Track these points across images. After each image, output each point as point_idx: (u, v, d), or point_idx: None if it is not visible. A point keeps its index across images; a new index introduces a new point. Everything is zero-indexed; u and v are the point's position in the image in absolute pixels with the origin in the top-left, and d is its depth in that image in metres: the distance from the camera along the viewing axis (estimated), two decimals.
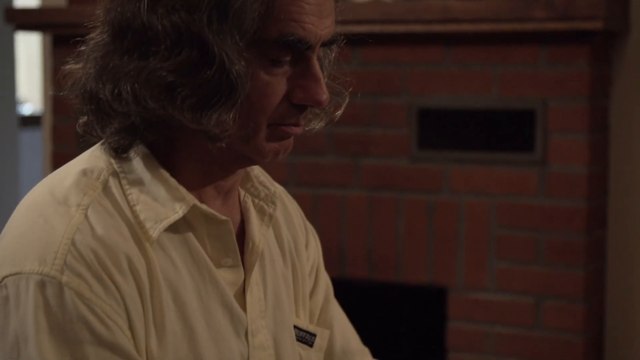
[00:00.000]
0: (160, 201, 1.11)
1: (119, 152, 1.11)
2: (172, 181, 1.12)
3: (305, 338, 1.30)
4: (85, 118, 1.13)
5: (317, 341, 1.32)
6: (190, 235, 1.14)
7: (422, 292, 3.00)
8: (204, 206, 1.14)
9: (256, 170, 1.26)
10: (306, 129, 1.19)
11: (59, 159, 3.37)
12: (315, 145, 3.00)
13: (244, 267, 1.19)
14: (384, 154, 2.96)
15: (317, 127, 1.22)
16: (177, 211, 1.11)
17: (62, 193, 1.09)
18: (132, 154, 1.12)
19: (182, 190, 1.12)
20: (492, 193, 2.83)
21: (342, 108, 1.22)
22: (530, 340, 2.80)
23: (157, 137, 1.12)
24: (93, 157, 1.14)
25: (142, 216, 1.10)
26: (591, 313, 2.80)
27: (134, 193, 1.11)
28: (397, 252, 2.95)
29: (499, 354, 2.84)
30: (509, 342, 2.83)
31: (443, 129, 2.89)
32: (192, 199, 1.13)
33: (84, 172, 1.12)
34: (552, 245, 2.76)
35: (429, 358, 2.96)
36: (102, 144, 1.14)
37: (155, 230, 1.10)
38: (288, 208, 1.34)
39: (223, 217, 1.15)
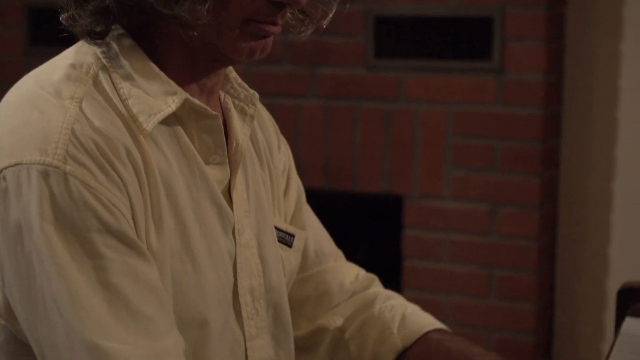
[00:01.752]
0: (152, 95, 1.10)
1: (96, 37, 1.09)
2: (163, 75, 1.11)
3: (285, 239, 1.31)
4: (66, 12, 1.10)
5: (296, 242, 1.32)
6: (181, 130, 1.13)
7: (379, 201, 3.02)
8: (195, 100, 1.13)
9: (234, 73, 1.25)
10: (292, 36, 1.18)
11: (3, 69, 3.29)
12: (270, 54, 2.96)
13: (229, 166, 1.19)
14: (341, 62, 2.94)
15: (302, 34, 1.20)
16: (170, 105, 1.10)
17: (53, 86, 1.07)
18: (118, 48, 1.10)
19: (174, 84, 1.11)
20: (449, 101, 2.83)
21: (329, 17, 1.21)
22: (485, 247, 2.84)
23: (132, 22, 1.10)
24: (80, 53, 1.12)
25: (135, 110, 1.08)
26: (545, 220, 2.84)
27: (125, 87, 1.09)
28: (354, 161, 2.95)
29: (455, 261, 2.88)
30: (464, 249, 2.86)
31: (400, 37, 2.87)
32: (183, 92, 1.12)
33: (73, 66, 1.09)
34: (508, 153, 2.79)
35: (385, 266, 2.99)
36: (86, 40, 1.11)
37: (149, 123, 1.08)
38: (261, 113, 1.34)
39: (213, 112, 1.14)
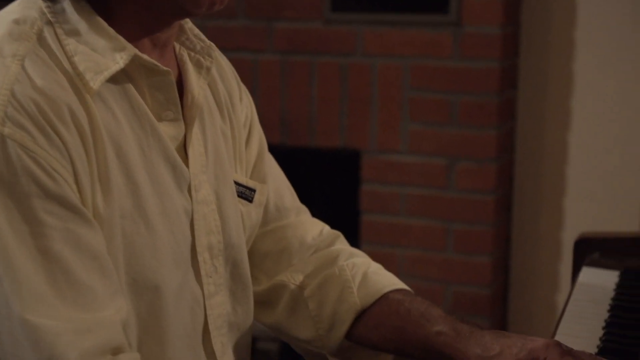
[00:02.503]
0: (99, 51, 1.07)
1: None
2: (111, 30, 1.08)
3: (245, 193, 1.29)
4: None
5: (257, 197, 1.30)
6: (131, 87, 1.10)
7: (336, 156, 3.02)
8: (145, 56, 1.10)
9: (189, 24, 1.22)
10: None
11: None
12: (225, 8, 2.92)
13: (184, 121, 1.16)
14: (297, 16, 2.91)
15: None
16: (118, 61, 1.07)
17: None
18: (65, 2, 1.07)
19: (122, 40, 1.08)
20: (405, 55, 2.82)
21: None
22: (442, 200, 2.85)
23: None
24: (23, 7, 1.08)
25: (81, 67, 1.05)
26: (501, 173, 2.85)
27: (71, 43, 1.06)
28: (311, 116, 2.94)
29: (412, 214, 2.89)
30: (421, 203, 2.87)
31: None
32: (132, 48, 1.09)
33: (16, 22, 1.06)
34: (465, 107, 2.79)
35: (342, 220, 2.99)
36: None
37: (96, 81, 1.05)
38: (222, 63, 1.31)
39: (164, 68, 1.12)
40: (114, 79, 1.08)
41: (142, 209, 1.08)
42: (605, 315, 1.42)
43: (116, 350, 1.00)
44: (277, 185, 1.38)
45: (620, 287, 1.53)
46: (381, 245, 2.93)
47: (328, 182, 3.07)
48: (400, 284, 1.35)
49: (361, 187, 2.93)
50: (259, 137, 1.36)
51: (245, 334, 1.28)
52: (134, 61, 1.09)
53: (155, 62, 1.10)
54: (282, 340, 1.42)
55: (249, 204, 1.29)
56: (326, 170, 3.11)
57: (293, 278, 1.35)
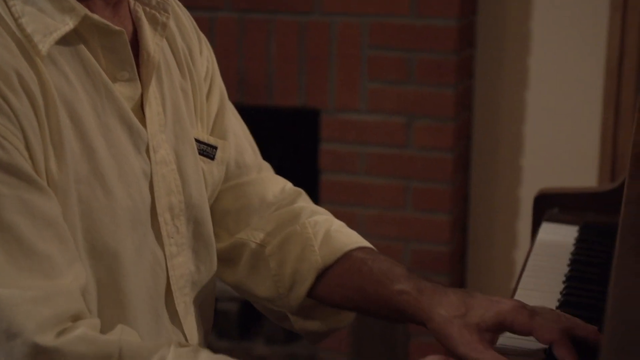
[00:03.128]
0: (47, 13, 1.04)
1: None
2: None
3: (207, 151, 1.26)
4: None
5: (218, 154, 1.28)
6: (83, 48, 1.07)
7: (295, 115, 3.01)
8: (95, 16, 1.07)
9: None
10: None
11: None
12: None
13: (140, 80, 1.14)
14: None
15: None
16: (68, 23, 1.04)
17: None
18: None
19: (71, 0, 1.05)
20: (364, 13, 2.81)
21: None
22: (401, 158, 2.86)
23: None
24: None
25: (29, 29, 1.02)
26: (459, 131, 2.86)
27: (17, 4, 1.03)
28: (269, 75, 2.92)
29: (371, 173, 2.89)
30: (380, 162, 2.88)
31: None
32: (82, 8, 1.06)
33: None
34: (423, 65, 2.79)
35: (302, 179, 2.98)
36: None
37: (44, 44, 1.02)
38: (180, 16, 1.28)
39: (117, 28, 1.09)
40: (65, 41, 1.05)
41: (99, 173, 1.06)
42: (565, 269, 1.44)
43: (75, 318, 0.98)
44: (238, 141, 1.36)
45: (579, 241, 1.55)
46: (340, 204, 2.93)
47: (287, 141, 3.06)
48: (363, 242, 1.33)
49: (320, 146, 2.92)
50: (219, 90, 1.34)
51: (209, 293, 1.28)
52: (84, 21, 1.06)
53: (107, 22, 1.08)
54: (243, 299, 1.42)
55: (210, 161, 1.27)
56: (285, 130, 3.10)
57: (253, 236, 1.34)
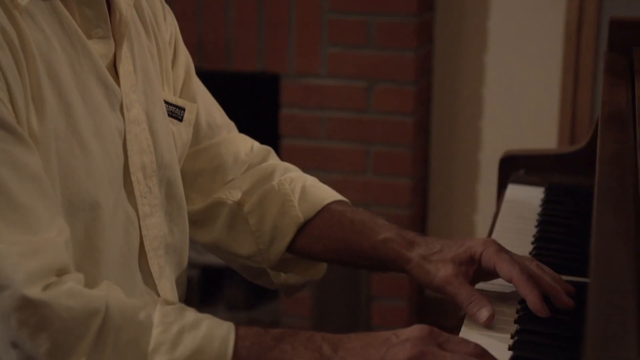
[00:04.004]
0: None
1: None
2: None
3: (175, 112, 1.27)
4: None
5: (187, 115, 1.29)
6: (59, 4, 1.07)
7: (254, 80, 2.99)
8: None
9: None
10: None
11: None
12: None
13: (113, 39, 1.13)
14: None
15: None
16: None
17: None
18: None
19: None
20: None
21: None
22: (362, 123, 2.86)
23: None
24: None
25: None
26: (420, 95, 2.87)
27: None
28: (228, 39, 2.90)
29: (332, 138, 2.89)
30: (341, 127, 2.87)
31: None
32: None
33: None
34: (383, 29, 2.78)
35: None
36: None
37: None
38: None
39: None
40: None
41: (76, 129, 1.06)
42: (533, 230, 1.45)
43: (61, 272, 0.98)
44: (206, 103, 1.37)
45: (546, 202, 1.56)
46: (301, 169, 2.92)
47: (247, 107, 3.04)
48: (338, 196, 1.37)
49: (280, 111, 2.91)
50: (185, 56, 1.35)
51: (182, 256, 1.28)
52: None
53: None
54: (204, 265, 1.42)
55: (179, 122, 1.28)
56: (245, 95, 3.09)
57: (231, 195, 1.35)
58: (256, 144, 1.42)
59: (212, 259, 1.39)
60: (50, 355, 0.93)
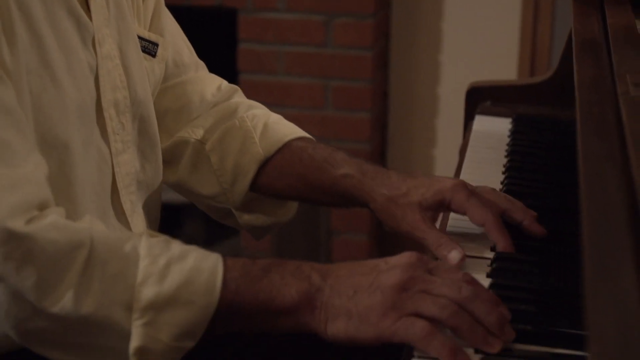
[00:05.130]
0: None
1: None
2: None
3: (148, 48, 1.25)
4: None
5: (160, 51, 1.27)
6: None
7: (211, 14, 2.95)
8: None
9: None
10: None
11: None
12: None
13: None
14: None
15: None
16: None
17: None
18: None
19: None
20: None
21: None
22: (320, 57, 2.84)
23: None
24: None
25: None
26: (378, 28, 2.85)
27: None
28: None
29: (290, 73, 2.87)
30: (299, 61, 2.86)
31: None
32: None
33: None
34: None
35: None
36: None
37: None
38: None
39: None
40: None
41: (48, 64, 1.03)
42: (504, 160, 1.45)
43: (42, 206, 0.96)
44: (175, 40, 1.34)
45: (514, 132, 1.57)
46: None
47: (203, 42, 2.99)
48: (302, 132, 1.34)
49: (238, 46, 2.88)
50: None
51: (154, 193, 1.26)
52: None
53: None
54: (186, 198, 1.41)
55: (152, 59, 1.25)
56: (201, 30, 3.04)
57: (194, 133, 1.33)
58: (224, 83, 1.40)
59: (171, 196, 1.37)
60: (37, 288, 0.92)
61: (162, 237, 0.99)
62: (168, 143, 1.33)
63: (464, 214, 1.15)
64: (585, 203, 0.71)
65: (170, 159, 1.34)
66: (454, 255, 1.10)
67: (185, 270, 0.94)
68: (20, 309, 0.93)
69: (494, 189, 1.20)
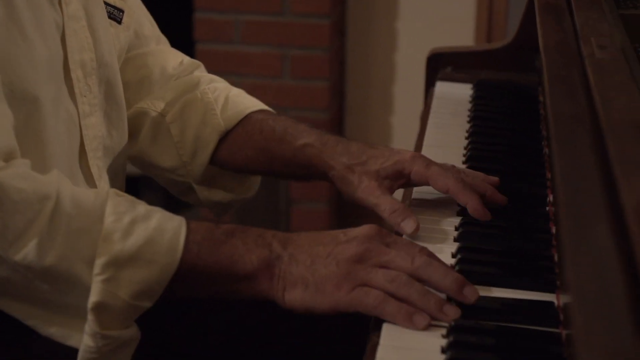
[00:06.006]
0: None
1: None
2: None
3: (114, 14, 1.24)
4: None
5: (125, 19, 1.26)
6: None
7: None
8: None
9: None
10: None
11: None
12: None
13: None
14: None
15: None
16: None
17: None
18: None
19: None
20: None
21: None
22: (277, 26, 2.82)
23: None
24: None
25: None
26: None
27: None
28: None
29: (247, 42, 2.86)
30: (257, 30, 2.84)
31: None
32: None
33: None
34: None
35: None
36: None
37: None
38: None
39: None
40: None
41: (16, 17, 1.02)
42: (466, 125, 1.46)
43: (8, 156, 0.96)
44: (136, 11, 1.33)
45: (476, 98, 1.58)
46: (217, 74, 2.88)
47: (159, 11, 2.97)
48: (263, 105, 1.34)
49: (194, 15, 2.86)
50: None
51: (120, 159, 1.25)
52: None
53: None
54: (146, 172, 1.40)
55: (118, 25, 1.24)
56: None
57: (154, 105, 1.32)
58: (187, 58, 1.39)
59: (129, 167, 1.37)
60: (1, 235, 0.92)
61: (128, 197, 0.99)
62: (129, 115, 1.32)
63: (425, 183, 1.16)
64: (558, 163, 0.72)
65: (131, 130, 1.33)
66: (408, 224, 1.09)
67: (149, 230, 0.94)
68: None
69: (453, 165, 1.20)
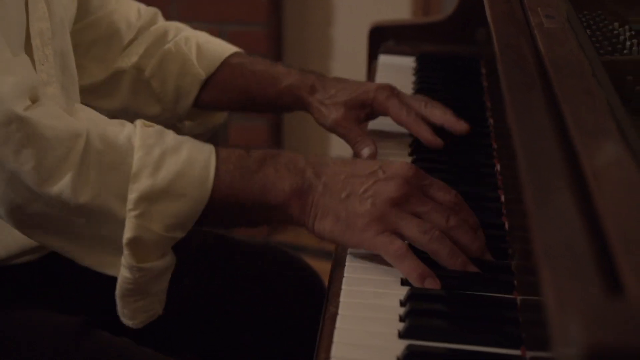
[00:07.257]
0: None
1: None
2: None
3: None
4: None
5: None
6: None
7: None
8: None
9: None
10: None
11: None
12: None
13: None
14: None
15: None
16: None
17: None
18: None
19: None
20: None
21: None
22: (214, 2, 2.81)
23: None
24: None
25: None
26: None
27: None
28: None
29: (183, 18, 2.82)
30: (193, 5, 2.82)
31: None
32: None
33: None
34: None
35: None
36: None
37: None
38: None
39: None
40: None
41: None
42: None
43: (34, 96, 0.96)
44: None
45: (419, 70, 1.59)
46: None
47: None
48: (234, 48, 1.42)
49: None
50: None
51: None
52: None
53: None
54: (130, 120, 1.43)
55: None
56: None
57: (129, 60, 1.37)
58: (142, 6, 1.42)
59: None
60: (36, 172, 0.92)
61: (157, 127, 0.99)
62: (105, 75, 1.36)
63: (385, 113, 1.26)
64: (517, 131, 0.73)
65: (109, 89, 1.37)
66: (365, 151, 1.21)
67: (179, 163, 0.95)
68: (17, 195, 0.93)
69: (427, 98, 1.30)
